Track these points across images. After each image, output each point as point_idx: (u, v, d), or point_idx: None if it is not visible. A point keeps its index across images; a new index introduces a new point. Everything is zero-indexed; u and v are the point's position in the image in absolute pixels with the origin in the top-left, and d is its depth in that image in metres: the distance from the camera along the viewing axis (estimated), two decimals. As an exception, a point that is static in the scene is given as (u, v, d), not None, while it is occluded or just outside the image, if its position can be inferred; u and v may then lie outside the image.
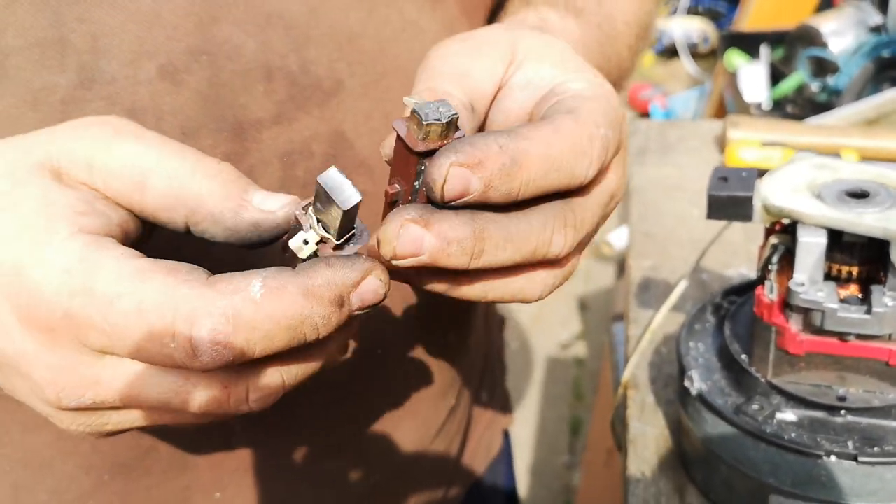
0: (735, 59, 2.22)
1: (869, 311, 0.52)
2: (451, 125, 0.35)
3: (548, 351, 2.53)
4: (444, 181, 0.34)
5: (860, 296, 0.54)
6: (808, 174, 0.57)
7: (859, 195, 0.54)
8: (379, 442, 0.62)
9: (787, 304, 0.55)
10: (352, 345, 0.56)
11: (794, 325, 0.55)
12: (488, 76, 0.42)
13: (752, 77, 2.18)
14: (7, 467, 0.53)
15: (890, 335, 0.53)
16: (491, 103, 0.43)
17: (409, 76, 0.46)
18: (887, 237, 0.51)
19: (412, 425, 0.64)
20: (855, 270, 0.54)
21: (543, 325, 2.62)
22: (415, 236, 0.34)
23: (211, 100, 0.46)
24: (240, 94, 0.46)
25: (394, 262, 0.35)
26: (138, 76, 0.45)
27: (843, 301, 0.54)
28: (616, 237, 2.33)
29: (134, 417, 0.37)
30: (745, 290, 0.67)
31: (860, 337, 0.53)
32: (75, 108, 0.44)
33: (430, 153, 0.35)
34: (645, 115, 3.26)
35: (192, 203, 0.36)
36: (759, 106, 2.14)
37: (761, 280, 0.57)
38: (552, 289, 0.40)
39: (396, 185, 0.37)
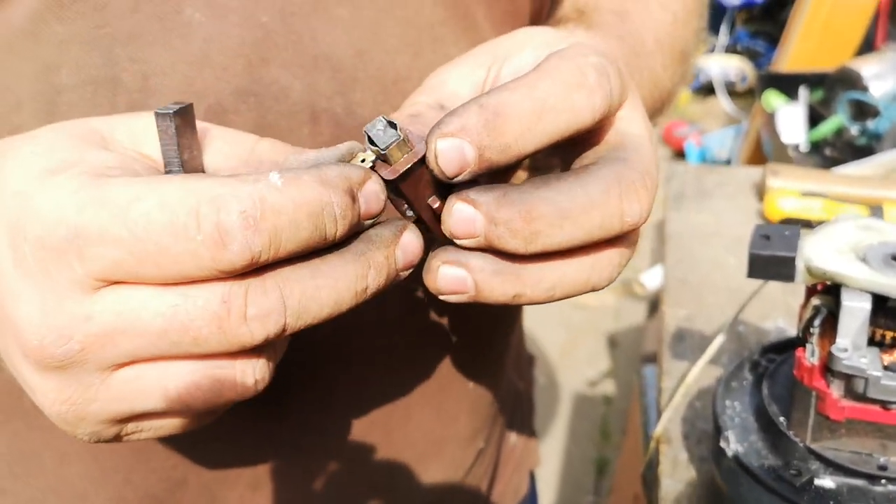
0: (773, 99, 2.20)
1: (914, 381, 0.51)
2: (403, 137, 0.34)
3: (575, 388, 2.51)
4: (436, 156, 0.33)
5: (905, 363, 0.53)
6: (853, 235, 0.56)
7: (906, 259, 0.53)
8: (407, 481, 0.62)
9: (828, 369, 0.54)
10: (380, 387, 0.56)
11: (835, 390, 0.54)
12: (466, 80, 0.42)
13: (791, 118, 2.16)
14: (40, 497, 0.53)
15: (935, 405, 0.52)
16: None
17: None
18: (935, 305, 0.50)
19: (440, 466, 0.64)
20: (900, 336, 0.53)
21: (572, 361, 2.60)
22: (466, 215, 0.34)
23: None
24: (286, 135, 0.46)
25: (457, 242, 0.35)
26: None
27: (886, 368, 0.52)
28: (648, 277, 2.31)
29: (126, 387, 0.34)
30: (784, 348, 0.66)
31: (904, 406, 0.52)
32: None
33: (405, 174, 0.35)
34: (680, 152, 3.25)
35: (255, 161, 0.36)
36: (796, 147, 2.12)
37: (802, 341, 0.56)
38: (621, 269, 0.37)
39: (410, 212, 0.37)
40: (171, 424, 0.36)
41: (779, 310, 0.85)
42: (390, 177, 0.35)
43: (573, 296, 0.37)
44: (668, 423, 0.73)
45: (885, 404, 0.53)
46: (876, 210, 0.95)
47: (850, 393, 0.53)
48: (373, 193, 0.34)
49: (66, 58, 0.44)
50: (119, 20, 0.43)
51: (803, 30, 2.44)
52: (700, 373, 0.75)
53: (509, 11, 0.56)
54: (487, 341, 0.64)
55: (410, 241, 0.36)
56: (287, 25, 0.46)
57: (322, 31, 0.47)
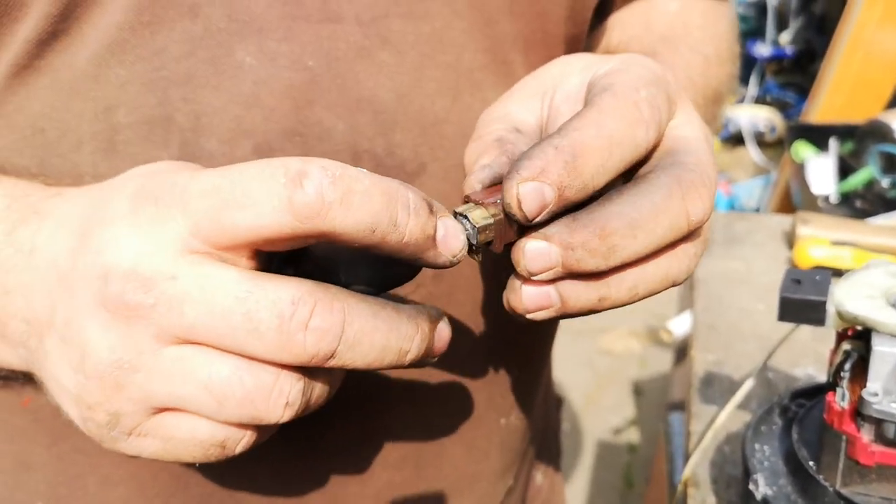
0: (803, 150, 2.21)
1: (945, 427, 0.51)
2: (497, 212, 0.37)
3: (600, 435, 2.49)
4: (519, 202, 0.35)
5: (936, 410, 0.53)
6: (884, 281, 0.56)
7: (937, 306, 0.53)
8: None
9: (858, 413, 0.54)
10: (414, 421, 0.57)
11: (865, 434, 0.54)
12: (526, 109, 0.44)
13: (820, 169, 2.16)
14: None
15: (967, 453, 0.52)
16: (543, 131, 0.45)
17: None
18: (966, 352, 0.50)
19: (471, 503, 0.64)
20: (931, 383, 0.53)
21: (597, 408, 2.58)
22: (539, 250, 0.36)
23: None
24: None
25: (534, 278, 0.36)
26: (235, 153, 0.47)
27: (917, 414, 0.52)
28: (676, 324, 2.30)
29: (173, 365, 0.35)
30: (814, 393, 0.66)
31: (936, 452, 0.52)
32: None
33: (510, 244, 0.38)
34: (708, 201, 3.24)
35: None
36: (826, 199, 2.12)
37: (832, 386, 0.56)
38: (698, 259, 0.39)
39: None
40: (195, 438, 0.36)
41: (808, 357, 0.85)
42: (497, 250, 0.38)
43: (656, 292, 0.39)
44: (696, 468, 0.73)
45: (916, 450, 0.53)
46: (907, 260, 0.95)
47: (881, 438, 0.53)
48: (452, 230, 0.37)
49: (124, 98, 0.46)
50: (175, 63, 0.46)
51: (834, 82, 2.45)
52: (728, 418, 0.75)
53: (545, 60, 0.58)
54: (519, 377, 0.64)
55: (446, 329, 0.38)
56: (332, 70, 0.48)
57: (365, 75, 0.49)
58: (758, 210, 2.77)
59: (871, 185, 2.08)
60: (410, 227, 0.34)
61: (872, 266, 0.58)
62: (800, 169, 2.21)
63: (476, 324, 0.57)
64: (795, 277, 0.57)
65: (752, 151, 3.63)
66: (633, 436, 2.49)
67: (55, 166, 0.47)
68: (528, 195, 0.35)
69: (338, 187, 0.32)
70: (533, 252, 0.36)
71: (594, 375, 2.71)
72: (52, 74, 0.46)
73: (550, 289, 0.37)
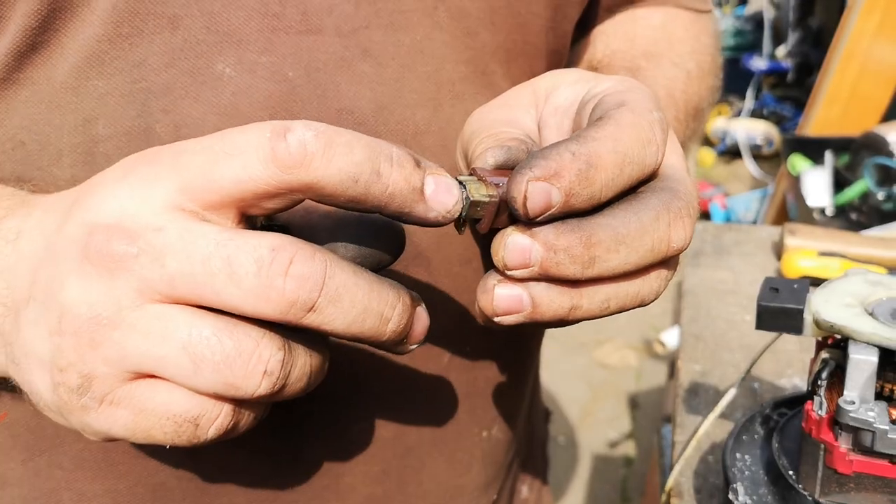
0: (799, 163, 2.21)
1: (921, 435, 0.51)
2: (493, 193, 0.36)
3: (596, 449, 2.48)
4: (525, 198, 0.35)
5: (913, 418, 0.53)
6: (862, 290, 0.56)
7: (914, 314, 0.53)
8: None
9: (836, 422, 0.54)
10: (394, 434, 0.57)
11: (843, 443, 0.54)
12: (528, 118, 0.44)
13: (816, 182, 2.16)
14: None
15: (944, 461, 0.51)
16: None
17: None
18: (941, 360, 0.50)
19: None
20: (909, 391, 0.53)
21: (593, 421, 2.57)
22: (522, 246, 0.35)
23: None
24: None
25: (508, 273, 0.36)
26: None
27: (894, 422, 0.52)
28: (669, 336, 2.30)
29: (152, 324, 0.34)
30: (795, 402, 0.66)
31: (912, 461, 0.52)
32: None
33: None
34: (705, 214, 3.25)
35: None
36: (822, 211, 2.12)
37: (811, 394, 0.56)
38: (667, 284, 0.39)
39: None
40: (168, 411, 0.35)
41: (794, 367, 0.85)
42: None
43: (625, 310, 0.38)
44: (681, 478, 0.72)
45: (893, 459, 0.52)
46: (894, 271, 0.95)
47: (858, 446, 0.53)
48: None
49: (103, 110, 0.46)
50: (155, 75, 0.46)
51: (829, 95, 2.46)
52: (713, 428, 0.75)
53: (526, 71, 0.59)
54: (502, 389, 0.64)
55: (425, 315, 0.38)
56: (312, 80, 0.48)
57: (345, 85, 0.49)
58: (754, 223, 2.77)
59: (866, 197, 2.08)
60: (394, 177, 0.34)
61: (851, 275, 0.58)
62: (796, 182, 2.21)
63: (457, 334, 0.57)
64: (773, 286, 0.57)
65: (748, 164, 3.63)
66: (629, 449, 2.48)
67: (35, 179, 0.47)
68: (536, 194, 0.35)
69: (320, 138, 0.33)
70: (514, 245, 0.36)
71: (590, 388, 2.70)
72: (32, 87, 0.46)
73: (523, 293, 0.36)
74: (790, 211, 2.30)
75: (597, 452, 2.47)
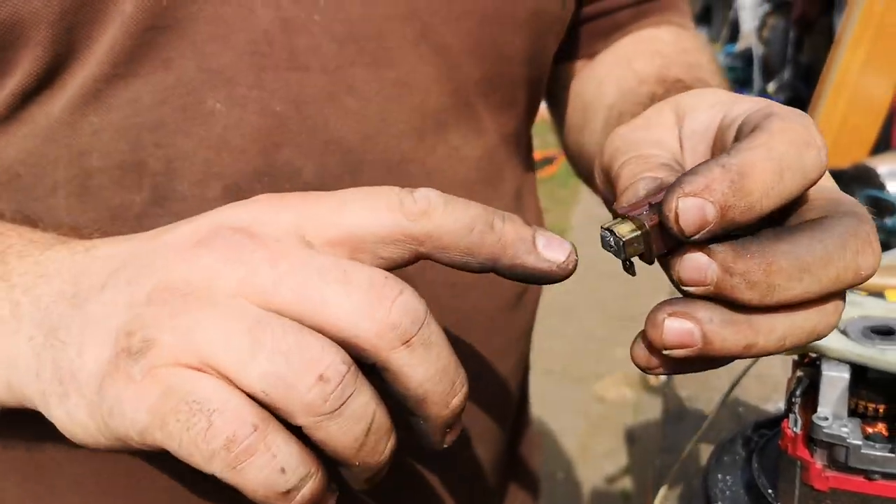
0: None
1: (893, 450, 0.51)
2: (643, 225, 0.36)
3: (594, 483, 2.46)
4: (677, 215, 0.34)
5: (886, 435, 0.53)
6: (834, 308, 0.57)
7: (884, 332, 0.54)
8: None
9: (811, 438, 0.54)
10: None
11: (818, 459, 0.54)
12: (672, 137, 0.43)
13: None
14: None
15: (918, 476, 0.52)
16: None
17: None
18: (910, 375, 0.51)
19: None
20: (882, 408, 0.54)
21: (591, 456, 2.56)
22: (699, 263, 0.34)
23: None
24: None
25: (683, 289, 0.35)
26: (206, 195, 0.49)
27: (867, 438, 0.53)
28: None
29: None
30: (775, 423, 0.66)
31: (886, 476, 0.52)
32: (148, 223, 0.47)
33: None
34: (700, 247, 3.26)
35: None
36: (814, 243, 2.13)
37: (788, 412, 0.57)
38: (840, 316, 0.38)
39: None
40: (193, 393, 0.33)
41: (780, 391, 0.85)
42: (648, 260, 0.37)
43: (802, 344, 0.37)
44: (665, 502, 0.72)
45: (867, 474, 0.53)
46: (877, 296, 0.95)
47: (833, 462, 0.54)
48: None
49: (97, 144, 0.47)
50: (147, 111, 0.47)
51: (819, 127, 2.48)
52: (699, 452, 0.75)
53: (507, 101, 0.60)
54: (490, 408, 0.65)
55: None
56: (300, 114, 0.50)
57: (332, 118, 0.51)
58: (748, 255, 2.79)
59: (857, 228, 2.09)
60: (506, 229, 0.37)
61: (824, 294, 0.59)
62: (787, 214, 2.22)
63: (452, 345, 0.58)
64: (747, 305, 0.58)
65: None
66: (626, 484, 2.47)
67: (31, 210, 0.48)
68: (689, 210, 0.33)
69: (442, 196, 0.37)
70: (690, 262, 0.35)
71: (588, 423, 2.70)
72: (30, 123, 0.47)
73: (693, 326, 0.35)
74: (783, 243, 2.31)
75: (595, 487, 2.45)
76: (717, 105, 0.43)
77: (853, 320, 0.56)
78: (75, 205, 0.48)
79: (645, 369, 0.38)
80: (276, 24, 0.48)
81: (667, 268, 0.36)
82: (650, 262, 0.37)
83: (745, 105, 0.41)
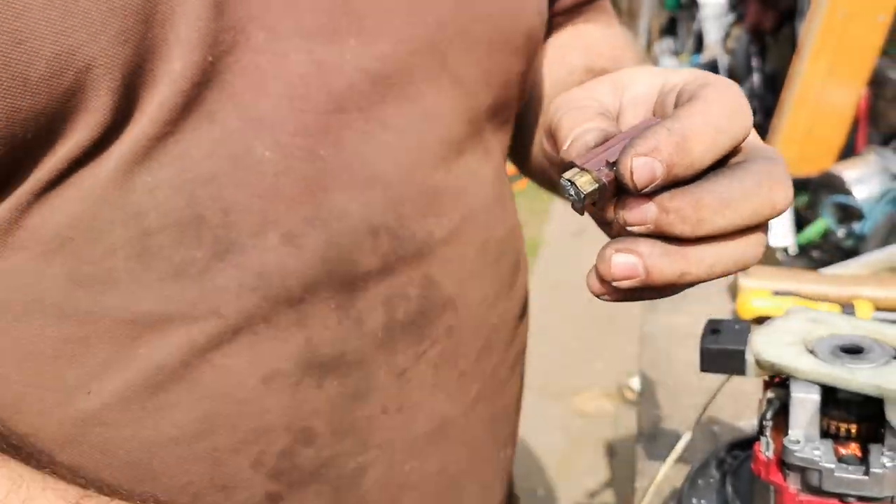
0: (758, 205, 2.23)
1: (867, 472, 0.51)
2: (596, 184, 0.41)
3: (575, 499, 2.45)
4: (631, 172, 0.39)
5: (859, 455, 0.53)
6: (803, 328, 0.57)
7: (853, 351, 0.53)
8: None
9: (783, 462, 0.53)
10: (438, 469, 0.59)
11: (792, 483, 0.53)
12: (609, 101, 0.49)
13: (778, 222, 2.19)
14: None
15: (892, 498, 0.51)
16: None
17: (477, 219, 0.57)
18: (881, 395, 0.50)
19: None
20: (853, 428, 0.53)
21: (570, 471, 2.54)
22: (641, 205, 0.40)
23: (327, 259, 0.50)
24: (351, 251, 0.51)
25: (627, 228, 0.41)
26: (265, 244, 0.49)
27: (841, 460, 0.52)
28: (637, 382, 2.30)
29: None
30: (748, 444, 0.66)
31: (861, 499, 0.51)
32: (211, 278, 0.48)
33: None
34: (673, 258, 3.27)
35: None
36: (785, 251, 2.14)
37: (759, 435, 0.56)
38: (763, 250, 0.44)
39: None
40: None
41: (753, 409, 0.84)
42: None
43: (729, 273, 0.43)
44: (642, 526, 0.71)
45: (841, 497, 0.52)
46: (847, 307, 0.95)
47: (807, 486, 0.53)
48: None
49: (152, 203, 0.47)
50: (198, 165, 0.47)
51: (785, 137, 2.50)
52: (674, 473, 0.74)
53: (506, 121, 0.64)
54: (511, 411, 0.67)
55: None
56: (341, 155, 0.51)
57: (371, 155, 0.52)
58: (721, 265, 2.80)
59: (827, 235, 2.11)
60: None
61: (792, 313, 0.59)
62: (758, 223, 2.23)
63: (481, 368, 0.60)
64: (715, 327, 0.57)
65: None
66: (608, 498, 2.46)
67: (87, 274, 0.47)
68: (641, 168, 0.39)
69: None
70: (634, 205, 0.40)
71: (567, 438, 2.68)
72: (78, 185, 0.46)
73: (637, 260, 0.41)
74: (755, 252, 2.32)
75: (576, 503, 2.44)
76: (655, 75, 0.49)
77: (821, 339, 0.55)
78: (136, 266, 0.47)
79: (598, 295, 0.43)
80: (310, 68, 0.49)
81: (607, 214, 0.42)
82: (602, 212, 0.43)
83: (682, 75, 0.46)
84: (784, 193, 0.42)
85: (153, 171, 0.46)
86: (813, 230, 2.10)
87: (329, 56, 0.50)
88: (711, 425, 0.82)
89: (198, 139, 0.47)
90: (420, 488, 0.58)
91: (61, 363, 0.47)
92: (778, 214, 0.42)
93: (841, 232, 2.06)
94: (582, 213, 0.43)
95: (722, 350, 0.55)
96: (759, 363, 0.54)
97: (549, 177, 0.71)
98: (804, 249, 2.14)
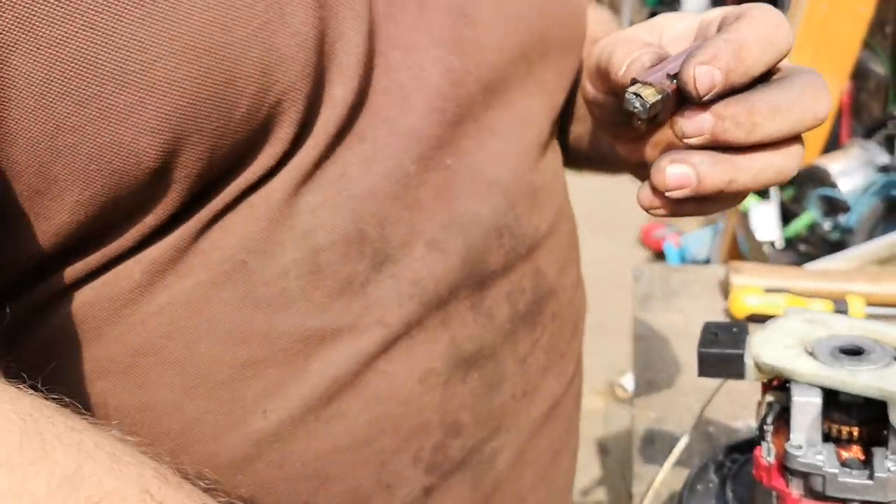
0: (746, 198, 2.24)
1: (871, 477, 0.50)
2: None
3: (568, 497, 2.44)
4: (694, 79, 0.43)
5: (862, 458, 0.52)
6: (801, 329, 0.56)
7: (853, 352, 0.53)
8: None
9: (785, 467, 0.52)
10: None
11: (794, 489, 0.52)
12: (651, 39, 0.52)
13: (764, 216, 2.19)
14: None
15: (897, 501, 0.50)
16: None
17: (564, 210, 0.63)
18: (883, 397, 0.49)
19: None
20: (855, 431, 0.52)
21: (562, 469, 2.53)
22: (697, 115, 0.44)
23: (466, 261, 0.53)
24: (483, 252, 0.54)
25: (684, 141, 0.44)
26: (412, 254, 0.51)
27: (844, 464, 0.51)
28: (628, 380, 2.29)
29: None
30: (747, 447, 0.65)
31: (864, 503, 0.51)
32: (371, 290, 0.50)
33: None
34: (659, 253, 3.27)
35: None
36: (772, 245, 2.14)
37: (759, 439, 0.55)
38: (801, 162, 0.47)
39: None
40: None
41: (749, 409, 0.84)
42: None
43: (771, 184, 0.46)
44: (641, 532, 0.70)
45: (845, 502, 0.51)
46: (839, 303, 0.95)
47: (810, 492, 0.52)
48: None
49: (318, 222, 0.48)
50: (356, 183, 0.49)
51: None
52: (671, 477, 0.73)
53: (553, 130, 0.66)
54: (574, 420, 0.70)
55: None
56: (464, 164, 0.54)
57: (486, 162, 0.55)
58: (708, 261, 2.80)
59: (813, 228, 2.11)
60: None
61: (790, 314, 0.58)
62: (744, 217, 2.24)
63: (575, 338, 0.66)
64: (713, 331, 0.56)
65: (699, 202, 3.68)
66: (600, 496, 2.45)
67: (262, 295, 0.48)
68: (703, 75, 0.42)
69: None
70: (691, 116, 0.44)
71: (558, 436, 2.67)
72: (249, 209, 0.47)
73: (689, 170, 0.44)
74: (741, 245, 2.32)
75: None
76: (690, 17, 0.53)
77: (821, 341, 0.54)
78: (307, 284, 0.49)
79: (648, 209, 0.47)
80: (444, 79, 0.52)
81: (670, 125, 0.46)
82: (661, 121, 0.47)
83: (717, 10, 0.50)
84: (825, 103, 0.45)
85: (314, 191, 0.48)
86: (799, 223, 2.11)
87: (457, 64, 0.53)
88: (707, 426, 0.81)
89: (352, 158, 0.49)
90: (535, 464, 0.62)
91: (237, 386, 0.47)
92: (819, 124, 0.46)
93: (827, 224, 2.07)
94: (644, 129, 0.47)
95: (720, 354, 0.54)
96: (758, 367, 0.53)
97: (579, 148, 0.74)
98: (791, 243, 2.14)
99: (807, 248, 2.12)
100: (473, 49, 0.54)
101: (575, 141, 0.75)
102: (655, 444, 0.82)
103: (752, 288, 0.98)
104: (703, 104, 0.44)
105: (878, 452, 0.51)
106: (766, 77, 0.46)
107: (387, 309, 0.50)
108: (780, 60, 0.46)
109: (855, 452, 0.52)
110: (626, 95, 0.44)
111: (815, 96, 0.45)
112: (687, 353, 0.96)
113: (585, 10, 0.65)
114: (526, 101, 0.59)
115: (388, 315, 0.50)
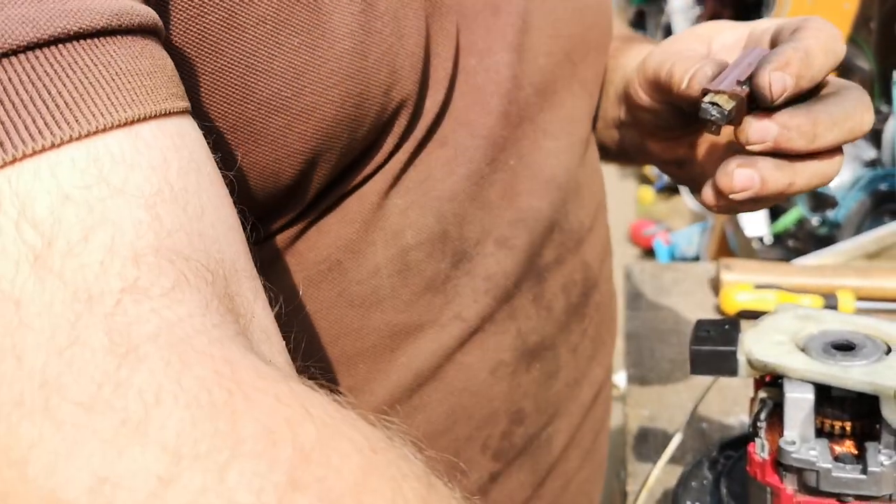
0: (733, 196, 2.24)
1: (864, 471, 0.50)
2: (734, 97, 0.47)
3: (561, 496, 2.44)
4: (770, 84, 0.46)
5: (856, 453, 0.52)
6: (792, 325, 0.56)
7: (845, 347, 0.53)
8: None
9: (779, 463, 0.52)
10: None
11: (788, 485, 0.52)
12: (701, 50, 0.55)
13: (752, 213, 2.19)
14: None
15: (891, 496, 0.50)
16: None
17: (603, 204, 0.66)
18: (875, 392, 0.49)
19: None
20: (848, 426, 0.52)
21: (555, 468, 2.54)
22: (763, 125, 0.47)
23: (529, 256, 0.56)
24: (542, 247, 0.57)
25: (749, 147, 0.48)
26: (484, 251, 0.54)
27: (837, 459, 0.51)
28: (620, 378, 2.29)
29: None
30: (741, 443, 0.65)
31: (859, 498, 0.51)
32: (451, 287, 0.53)
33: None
34: (649, 250, 3.28)
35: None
36: (760, 240, 2.15)
37: (753, 435, 0.55)
38: (840, 168, 0.51)
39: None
40: None
41: (741, 405, 0.84)
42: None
43: (817, 187, 0.50)
44: (635, 530, 0.70)
45: (840, 497, 0.51)
46: (830, 298, 0.95)
47: (804, 488, 0.52)
48: None
49: (407, 223, 0.51)
50: (439, 185, 0.52)
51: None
52: (665, 475, 0.73)
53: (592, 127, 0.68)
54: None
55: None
56: (523, 163, 0.56)
57: (541, 160, 0.58)
58: (697, 258, 2.80)
59: (801, 223, 2.12)
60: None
61: (781, 311, 0.58)
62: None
63: (613, 326, 0.70)
64: (705, 328, 0.56)
65: (686, 199, 3.69)
66: (593, 494, 2.45)
67: (356, 294, 0.50)
68: (777, 81, 0.46)
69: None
70: (758, 125, 0.47)
71: (551, 435, 2.67)
72: (345, 211, 0.49)
73: (755, 173, 0.48)
74: (730, 241, 2.33)
75: (562, 500, 2.43)
76: (737, 26, 0.56)
77: (812, 337, 0.54)
78: (397, 282, 0.51)
79: (710, 207, 0.51)
80: (512, 83, 0.55)
81: (736, 133, 0.49)
82: (736, 124, 0.48)
83: (766, 22, 0.54)
84: (870, 117, 0.49)
85: (401, 193, 0.51)
86: (787, 219, 2.11)
87: (519, 68, 0.55)
88: (700, 423, 0.81)
89: (434, 162, 0.52)
90: (581, 446, 0.65)
91: (328, 382, 0.48)
92: (864, 135, 0.50)
93: (815, 220, 2.07)
94: (718, 133, 0.49)
95: (712, 352, 0.54)
96: (751, 363, 0.53)
97: (614, 140, 0.75)
98: (779, 238, 2.15)
99: (795, 244, 2.13)
100: (530, 53, 0.56)
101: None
102: (649, 442, 0.82)
103: (742, 284, 0.98)
104: (772, 109, 0.47)
105: (870, 447, 0.51)
106: (814, 90, 0.49)
107: (464, 304, 0.53)
108: (836, 66, 0.49)
109: (848, 447, 0.52)
110: (702, 105, 0.47)
111: (864, 111, 0.49)
112: (678, 350, 0.96)
113: (612, 12, 0.68)
114: (572, 101, 0.61)
115: (465, 310, 0.53)
